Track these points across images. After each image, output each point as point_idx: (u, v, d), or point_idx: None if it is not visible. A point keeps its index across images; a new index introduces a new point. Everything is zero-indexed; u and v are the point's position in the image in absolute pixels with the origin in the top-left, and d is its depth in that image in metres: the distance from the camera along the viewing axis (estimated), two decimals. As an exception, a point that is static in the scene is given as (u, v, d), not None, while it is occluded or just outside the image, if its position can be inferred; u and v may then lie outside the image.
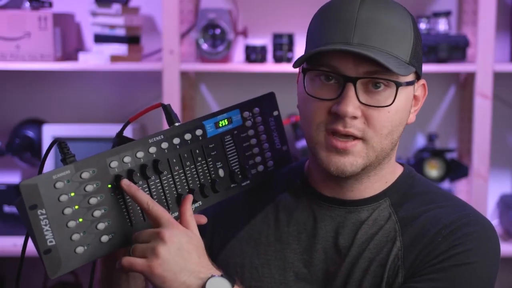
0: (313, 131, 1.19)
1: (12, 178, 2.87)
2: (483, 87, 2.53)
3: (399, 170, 1.30)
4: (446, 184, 2.76)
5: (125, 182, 1.11)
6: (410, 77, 1.20)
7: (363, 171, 1.21)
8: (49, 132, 2.65)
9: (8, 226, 2.68)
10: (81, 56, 2.64)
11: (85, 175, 1.09)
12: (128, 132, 1.20)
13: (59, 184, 1.06)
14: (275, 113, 1.31)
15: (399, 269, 1.19)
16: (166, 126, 1.22)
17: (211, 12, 2.65)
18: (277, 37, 2.63)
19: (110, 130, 2.66)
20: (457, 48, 2.59)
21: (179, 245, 1.08)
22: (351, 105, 1.14)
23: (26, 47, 2.60)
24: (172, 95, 2.57)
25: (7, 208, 2.70)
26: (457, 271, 1.16)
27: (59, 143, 1.10)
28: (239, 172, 1.26)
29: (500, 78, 2.66)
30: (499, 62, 2.65)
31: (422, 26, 2.66)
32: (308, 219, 1.26)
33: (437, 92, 2.86)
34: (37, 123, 2.75)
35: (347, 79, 1.15)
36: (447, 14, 2.66)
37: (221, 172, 1.24)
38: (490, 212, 2.82)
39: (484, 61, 2.52)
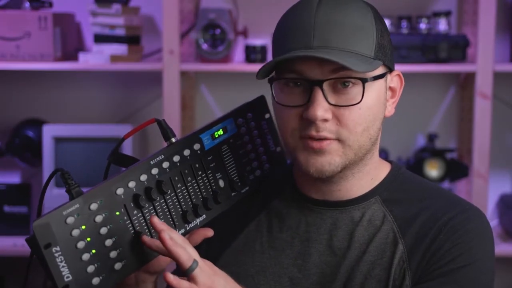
0: (289, 137, 1.19)
1: (12, 178, 2.87)
2: (483, 87, 2.53)
3: (386, 167, 1.29)
4: (446, 184, 2.76)
5: (146, 239, 1.12)
6: (379, 71, 1.19)
7: (345, 169, 1.20)
8: (49, 132, 2.65)
9: (8, 226, 2.68)
10: (81, 56, 2.64)
11: (94, 206, 1.09)
12: (127, 140, 1.21)
13: (70, 219, 1.07)
14: (267, 115, 1.31)
15: (405, 272, 1.19)
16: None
17: (211, 12, 2.65)
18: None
19: (110, 130, 2.66)
20: (457, 48, 2.59)
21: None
22: (320, 109, 1.14)
23: (26, 47, 2.60)
24: (172, 95, 2.57)
25: (7, 208, 2.70)
26: (464, 271, 1.17)
27: (62, 173, 1.09)
28: (238, 180, 1.26)
29: (500, 78, 2.66)
30: (499, 62, 2.65)
31: (422, 26, 2.66)
32: (300, 224, 1.26)
33: (437, 92, 2.86)
34: (37, 123, 2.75)
35: (313, 83, 1.15)
36: (447, 14, 2.66)
37: (221, 183, 1.24)
38: (490, 212, 2.82)
39: (484, 61, 2.52)
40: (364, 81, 1.15)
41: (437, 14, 2.65)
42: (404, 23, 2.67)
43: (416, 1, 2.80)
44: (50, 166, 2.63)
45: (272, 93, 1.20)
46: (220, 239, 1.30)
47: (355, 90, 1.16)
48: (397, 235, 1.21)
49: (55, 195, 2.54)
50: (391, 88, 1.23)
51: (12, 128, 2.79)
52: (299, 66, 1.16)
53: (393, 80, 1.24)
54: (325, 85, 1.15)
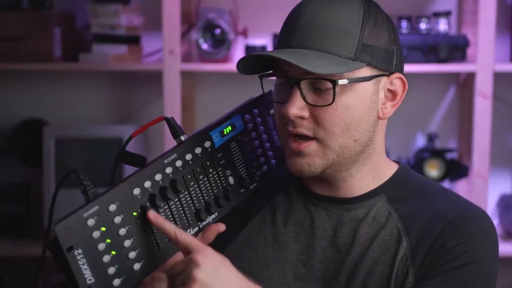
0: (280, 134, 1.23)
1: (12, 178, 2.87)
2: (483, 87, 2.53)
3: (393, 167, 1.30)
4: (446, 184, 2.76)
5: (152, 214, 1.13)
6: (362, 73, 1.18)
7: (335, 170, 1.22)
8: (49, 132, 2.65)
9: (8, 226, 2.68)
10: (81, 56, 2.64)
11: (112, 207, 1.10)
12: (130, 142, 1.22)
13: (90, 222, 1.08)
14: (272, 111, 1.33)
15: (408, 268, 1.19)
16: (167, 131, 1.23)
17: (211, 12, 2.65)
18: (277, 37, 2.62)
19: (110, 130, 2.66)
20: (457, 48, 2.59)
21: (214, 264, 1.08)
22: (294, 107, 1.17)
23: (26, 47, 2.60)
24: (172, 95, 2.57)
25: (7, 208, 2.70)
26: (466, 269, 1.18)
27: (78, 174, 1.10)
28: (246, 177, 1.28)
29: (500, 78, 2.66)
30: (499, 62, 2.65)
31: (422, 26, 2.66)
32: (305, 219, 1.27)
33: (437, 92, 2.86)
34: (37, 123, 2.75)
35: (292, 81, 1.18)
36: (447, 14, 2.66)
37: (231, 180, 1.26)
38: (490, 212, 2.82)
39: (484, 61, 2.52)
40: (333, 83, 1.16)
41: (437, 14, 2.65)
42: (404, 23, 2.67)
43: (416, 1, 2.80)
44: (50, 166, 2.63)
45: (262, 89, 1.25)
46: (224, 233, 1.30)
47: (330, 91, 1.17)
48: (402, 232, 1.22)
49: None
50: (391, 91, 1.23)
51: (12, 128, 2.79)
52: (283, 65, 1.18)
53: (394, 83, 1.22)
54: (303, 84, 1.17)
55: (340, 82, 1.16)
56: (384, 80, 1.21)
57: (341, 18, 1.17)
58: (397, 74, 1.22)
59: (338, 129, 1.18)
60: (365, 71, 1.19)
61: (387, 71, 1.21)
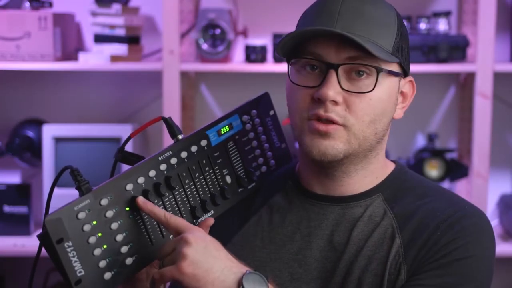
0: (298, 119, 1.21)
1: (12, 178, 2.87)
2: (483, 87, 2.53)
3: (390, 166, 1.31)
4: (446, 184, 2.76)
5: (141, 200, 1.14)
6: (394, 68, 1.21)
7: (348, 161, 1.22)
8: (49, 132, 2.65)
9: (8, 226, 2.68)
10: (81, 56, 2.65)
11: (104, 201, 1.11)
12: (129, 142, 1.22)
13: (81, 215, 1.08)
14: (271, 112, 1.33)
15: (401, 266, 1.20)
16: (166, 131, 1.23)
17: (211, 12, 2.65)
18: (277, 37, 2.63)
19: (110, 130, 2.66)
20: (457, 48, 2.59)
21: (204, 244, 1.09)
22: (332, 89, 1.17)
23: (26, 47, 2.60)
24: (172, 95, 2.57)
25: (7, 208, 2.70)
26: (459, 264, 1.18)
27: (72, 171, 1.11)
28: (244, 176, 1.28)
29: (500, 78, 2.66)
30: (499, 62, 2.65)
31: (422, 26, 2.66)
32: (302, 219, 1.27)
33: (437, 92, 2.86)
34: (37, 123, 2.75)
35: (329, 66, 1.18)
36: (447, 14, 2.66)
37: (228, 179, 1.26)
38: (490, 212, 2.82)
39: (484, 61, 2.52)
40: (379, 70, 1.18)
41: (437, 14, 2.66)
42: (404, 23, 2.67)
43: (416, 1, 2.80)
44: (50, 166, 2.63)
45: (288, 74, 1.23)
46: (221, 234, 1.30)
47: (368, 81, 1.18)
48: (395, 230, 1.22)
49: (55, 194, 2.54)
50: (403, 93, 1.26)
51: (12, 128, 2.79)
52: (317, 49, 1.18)
53: (406, 85, 1.26)
54: (340, 70, 1.18)
55: (383, 71, 1.18)
56: (402, 82, 1.25)
57: (383, 14, 1.20)
58: (410, 78, 1.27)
59: (368, 118, 1.19)
60: (395, 68, 1.22)
61: (405, 74, 1.25)
